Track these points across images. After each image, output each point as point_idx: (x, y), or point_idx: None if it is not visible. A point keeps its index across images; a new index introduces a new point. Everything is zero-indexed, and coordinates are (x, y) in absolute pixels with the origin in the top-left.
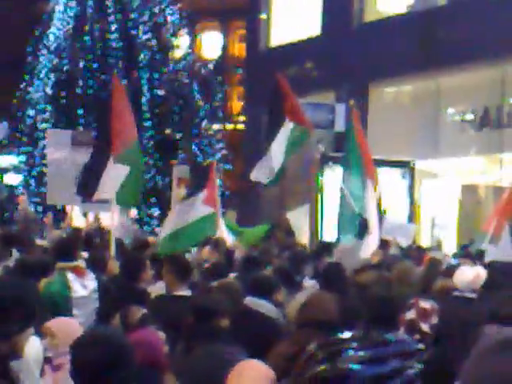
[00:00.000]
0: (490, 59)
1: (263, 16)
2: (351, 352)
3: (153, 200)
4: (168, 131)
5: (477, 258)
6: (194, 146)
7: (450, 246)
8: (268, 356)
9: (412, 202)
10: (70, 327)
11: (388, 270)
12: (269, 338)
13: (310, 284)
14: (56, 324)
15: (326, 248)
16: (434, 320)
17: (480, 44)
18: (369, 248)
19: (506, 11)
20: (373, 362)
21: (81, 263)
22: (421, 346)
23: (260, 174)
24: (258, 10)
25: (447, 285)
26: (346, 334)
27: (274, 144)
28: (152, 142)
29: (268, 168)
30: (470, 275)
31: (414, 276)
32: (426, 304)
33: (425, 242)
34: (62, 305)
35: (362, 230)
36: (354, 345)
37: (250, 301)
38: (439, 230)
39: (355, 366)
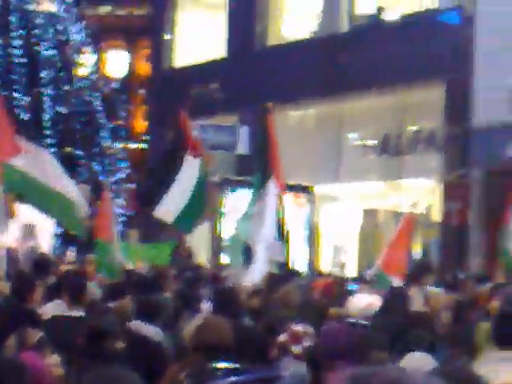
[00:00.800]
0: (391, 87)
1: (168, 36)
2: (219, 379)
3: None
4: (70, 149)
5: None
6: (95, 165)
7: (350, 270)
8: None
9: (312, 226)
10: None
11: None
12: (151, 361)
13: (207, 307)
14: None
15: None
16: (306, 343)
17: (381, 71)
18: (254, 275)
19: (406, 40)
20: None
21: None
22: (280, 372)
23: (164, 212)
24: (162, 30)
25: (341, 311)
26: (221, 364)
27: (177, 182)
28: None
29: (173, 206)
30: (363, 302)
31: (295, 299)
32: (298, 327)
33: (325, 266)
34: None
35: (247, 256)
36: (221, 371)
37: (135, 324)
38: (340, 253)
39: None
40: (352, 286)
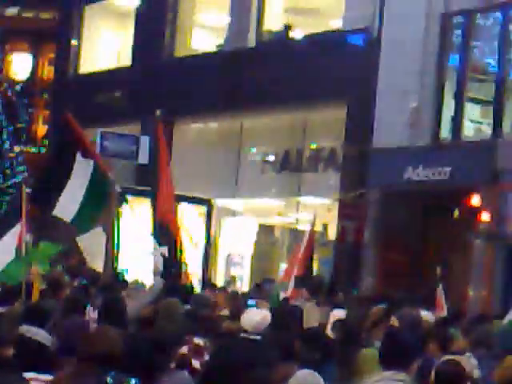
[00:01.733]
0: (293, 103)
1: (74, 42)
2: None
3: None
4: None
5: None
6: None
7: (243, 285)
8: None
9: (209, 240)
10: None
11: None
12: (47, 366)
13: (94, 315)
14: None
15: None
16: (206, 357)
17: (286, 88)
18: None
19: (311, 59)
20: None
21: None
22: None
23: (63, 211)
24: (69, 35)
25: (234, 326)
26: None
27: (72, 181)
28: None
29: (70, 205)
30: (256, 317)
31: (179, 312)
32: (199, 340)
33: (219, 279)
34: None
35: None
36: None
37: (25, 329)
38: (234, 267)
39: None
40: (251, 302)
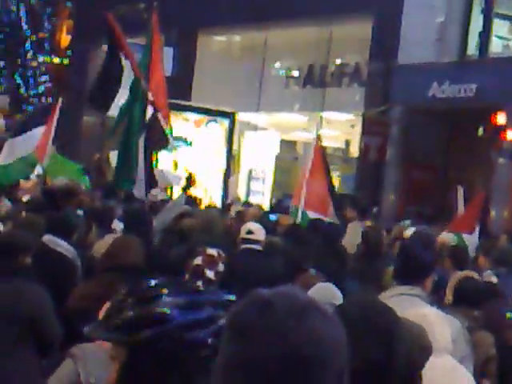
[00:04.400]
0: (318, 17)
1: None
2: (165, 298)
3: None
4: None
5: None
6: (17, 77)
7: (265, 199)
8: (70, 296)
9: (231, 154)
10: None
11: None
12: (65, 277)
13: (119, 226)
14: None
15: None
16: (220, 268)
17: (310, 2)
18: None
19: None
20: (189, 308)
21: None
22: (230, 296)
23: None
24: None
25: (251, 236)
26: (156, 281)
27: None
28: None
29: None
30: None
31: (218, 225)
32: (212, 251)
33: (241, 193)
34: None
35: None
36: (167, 291)
37: (48, 239)
38: (255, 182)
39: (171, 311)
40: (272, 216)
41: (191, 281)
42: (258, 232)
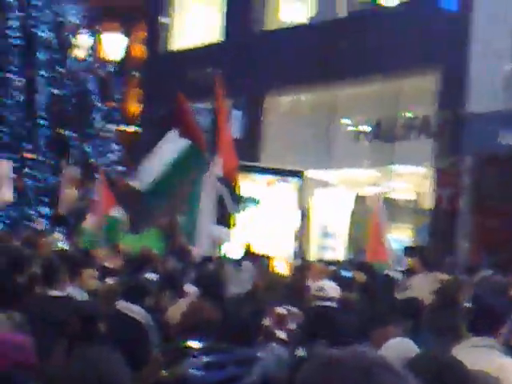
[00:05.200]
0: (385, 72)
1: (164, 19)
2: (192, 359)
3: (44, 199)
4: (62, 130)
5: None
6: (87, 147)
7: (339, 255)
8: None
9: (302, 211)
10: None
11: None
12: (138, 342)
13: (192, 290)
14: None
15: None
16: (291, 326)
17: (376, 57)
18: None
19: (403, 26)
20: (212, 367)
21: None
22: (260, 353)
23: (140, 180)
24: (160, 13)
25: (321, 293)
26: (193, 343)
27: (160, 149)
28: (46, 141)
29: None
30: (330, 285)
31: (282, 284)
32: (282, 310)
33: (314, 250)
34: None
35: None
36: (196, 351)
37: (122, 305)
38: (328, 239)
39: (195, 372)
40: (345, 273)
41: (264, 343)
42: (330, 289)
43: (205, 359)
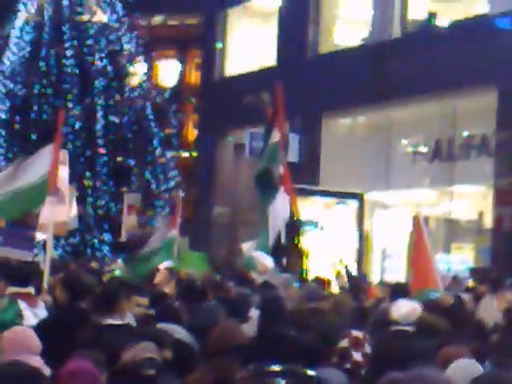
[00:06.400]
0: (441, 92)
1: (219, 45)
2: (275, 380)
3: (105, 226)
4: (122, 158)
5: None
6: (147, 174)
7: (398, 277)
8: (185, 381)
9: (362, 233)
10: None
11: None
12: (182, 362)
13: (256, 314)
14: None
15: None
16: (367, 349)
17: (432, 77)
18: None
19: (458, 45)
20: None
21: (31, 290)
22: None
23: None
24: (214, 39)
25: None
26: (272, 367)
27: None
28: (106, 169)
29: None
30: (405, 308)
31: (349, 307)
32: (358, 333)
33: (375, 272)
34: None
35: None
36: (275, 374)
37: (164, 326)
38: (389, 260)
39: None
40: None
41: (339, 364)
42: (407, 311)
43: (285, 382)
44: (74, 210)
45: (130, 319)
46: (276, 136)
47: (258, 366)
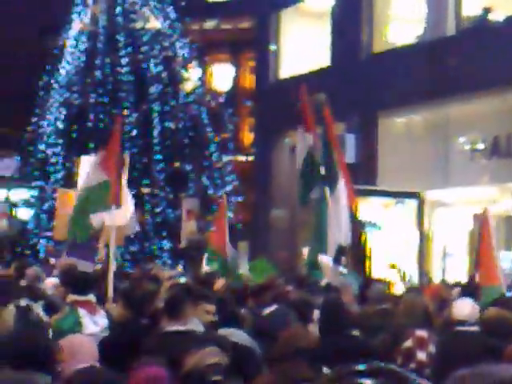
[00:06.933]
0: (499, 88)
1: (273, 48)
2: (361, 380)
3: (163, 233)
4: (179, 164)
5: None
6: (204, 179)
7: (460, 276)
8: None
9: (422, 233)
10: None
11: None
12: (242, 366)
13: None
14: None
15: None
16: (431, 349)
17: (489, 73)
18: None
19: None
20: None
21: (92, 298)
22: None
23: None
24: (267, 41)
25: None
26: (359, 367)
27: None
28: (163, 175)
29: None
30: (467, 308)
31: (420, 308)
32: (422, 332)
33: (435, 271)
34: None
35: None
36: (362, 373)
37: (224, 331)
38: (449, 259)
39: None
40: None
41: (403, 364)
42: (471, 312)
43: (370, 381)
44: (132, 210)
45: (197, 326)
46: (309, 140)
47: (343, 366)
